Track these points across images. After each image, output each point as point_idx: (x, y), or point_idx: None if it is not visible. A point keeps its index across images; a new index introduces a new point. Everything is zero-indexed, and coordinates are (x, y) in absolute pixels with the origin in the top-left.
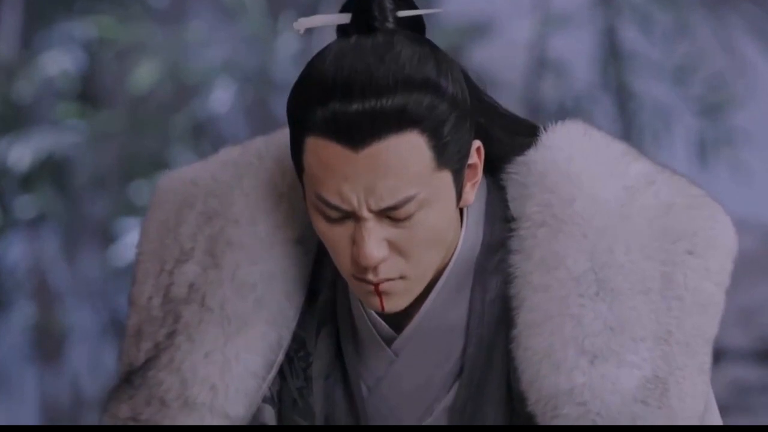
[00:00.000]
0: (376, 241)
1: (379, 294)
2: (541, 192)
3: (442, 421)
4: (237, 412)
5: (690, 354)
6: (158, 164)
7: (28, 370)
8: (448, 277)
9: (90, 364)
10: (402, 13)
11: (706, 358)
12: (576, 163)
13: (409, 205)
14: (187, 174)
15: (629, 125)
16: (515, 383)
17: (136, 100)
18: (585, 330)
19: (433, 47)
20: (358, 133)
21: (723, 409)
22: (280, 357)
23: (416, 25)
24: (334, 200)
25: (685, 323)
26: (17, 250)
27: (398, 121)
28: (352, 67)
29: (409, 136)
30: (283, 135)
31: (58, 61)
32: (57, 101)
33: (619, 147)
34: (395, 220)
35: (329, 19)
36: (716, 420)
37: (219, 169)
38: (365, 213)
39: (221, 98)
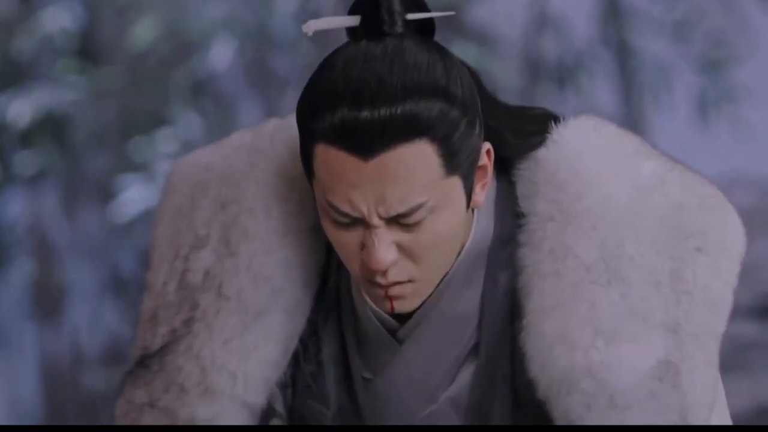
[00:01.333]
0: (385, 245)
1: (389, 297)
2: (551, 190)
3: (447, 410)
4: (255, 399)
5: (699, 346)
6: (158, 121)
7: (28, 326)
8: (456, 270)
9: (89, 321)
10: (411, 16)
11: (715, 354)
12: (586, 161)
13: (419, 212)
14: (201, 159)
15: (629, 82)
16: (521, 373)
17: (136, 57)
18: (599, 313)
19: (443, 52)
20: (367, 142)
21: (722, 367)
22: (295, 343)
23: (426, 26)
24: (344, 208)
25: (694, 317)
26: (17, 207)
27: (408, 130)
28: (361, 76)
29: (418, 145)
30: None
31: (58, 18)
32: (56, 58)
33: (630, 144)
34: (405, 226)
35: (338, 22)
36: (725, 418)
37: (232, 154)
38: (375, 220)
39: (221, 55)
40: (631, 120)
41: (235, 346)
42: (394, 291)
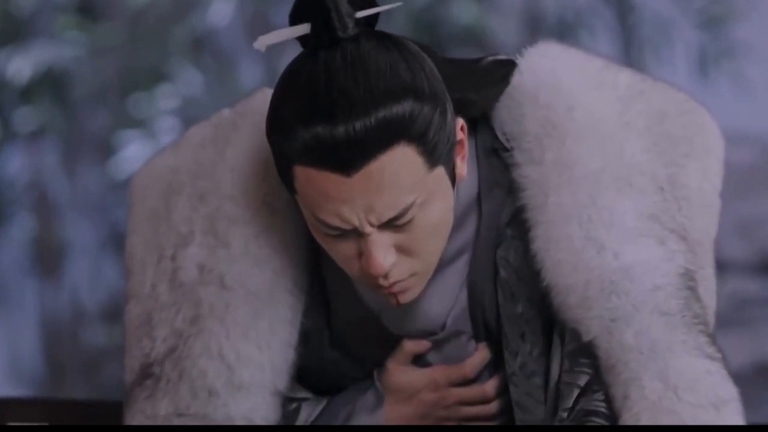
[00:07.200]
0: (383, 250)
1: (393, 294)
2: (537, 110)
3: (460, 324)
4: (283, 384)
5: (704, 254)
6: (158, 77)
7: (28, 283)
8: None
9: (89, 278)
10: (360, 14)
11: (713, 260)
12: (564, 79)
13: (409, 212)
14: (164, 162)
15: (629, 39)
16: (537, 283)
17: (136, 13)
18: (620, 218)
19: (400, 45)
20: (347, 158)
21: (723, 323)
22: (300, 320)
23: (373, 17)
24: (334, 222)
25: (695, 223)
26: (17, 163)
27: (385, 137)
28: (327, 92)
29: (398, 149)
30: (254, 101)
31: None
32: (56, 14)
33: (599, 60)
34: (398, 226)
35: (289, 33)
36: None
37: (197, 150)
38: (368, 228)
39: (221, 11)
40: None
41: (253, 335)
42: (398, 288)
